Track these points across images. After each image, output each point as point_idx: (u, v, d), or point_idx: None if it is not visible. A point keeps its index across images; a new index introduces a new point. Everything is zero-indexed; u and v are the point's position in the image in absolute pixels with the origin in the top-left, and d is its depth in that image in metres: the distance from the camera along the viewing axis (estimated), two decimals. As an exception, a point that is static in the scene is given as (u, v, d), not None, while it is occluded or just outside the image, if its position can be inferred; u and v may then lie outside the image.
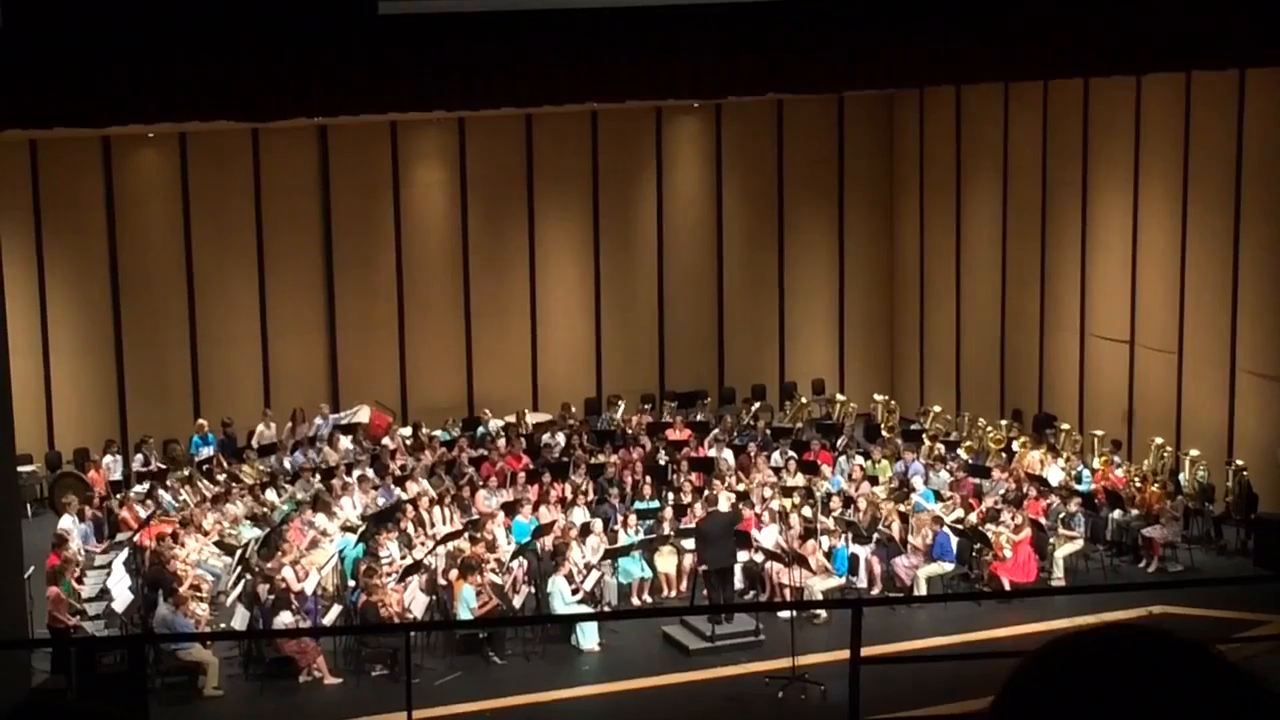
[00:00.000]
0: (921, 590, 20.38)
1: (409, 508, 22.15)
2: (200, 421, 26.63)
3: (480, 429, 26.88)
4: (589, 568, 20.17)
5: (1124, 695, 1.70)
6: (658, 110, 29.45)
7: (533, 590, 19.95)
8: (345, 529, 21.81)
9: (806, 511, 21.56)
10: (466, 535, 20.89)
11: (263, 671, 18.64)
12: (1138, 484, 22.82)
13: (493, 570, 19.80)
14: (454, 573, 19.51)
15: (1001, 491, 22.57)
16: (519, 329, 29.63)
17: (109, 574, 20.09)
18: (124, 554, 20.90)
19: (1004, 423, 26.36)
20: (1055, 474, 23.47)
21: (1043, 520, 21.50)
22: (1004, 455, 24.60)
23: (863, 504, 21.92)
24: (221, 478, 24.46)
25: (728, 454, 24.88)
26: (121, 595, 19.24)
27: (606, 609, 20.26)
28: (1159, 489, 22.39)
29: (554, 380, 29.53)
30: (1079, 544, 21.59)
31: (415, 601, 19.23)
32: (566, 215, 29.68)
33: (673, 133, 30.10)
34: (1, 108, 14.83)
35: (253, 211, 28.01)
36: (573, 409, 27.82)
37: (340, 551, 21.08)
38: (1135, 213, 25.11)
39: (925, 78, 20.70)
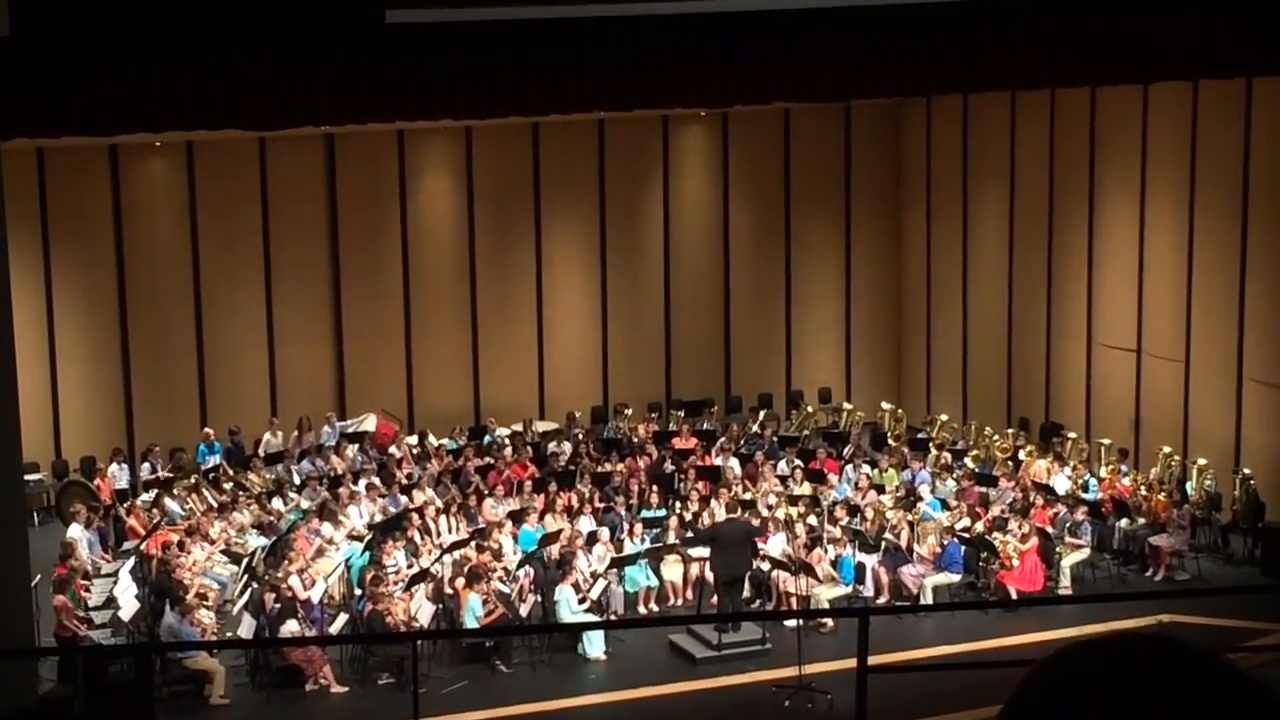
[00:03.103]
0: (928, 599, 20.37)
1: (415, 516, 22.15)
2: (207, 430, 26.63)
3: (487, 437, 26.87)
4: (595, 576, 20.17)
5: (1134, 704, 1.70)
6: (664, 119, 29.46)
7: (539, 599, 19.95)
8: (352, 537, 21.82)
9: (812, 520, 21.55)
10: (473, 544, 20.88)
11: (269, 680, 18.64)
12: (1144, 493, 22.81)
13: (499, 579, 19.80)
14: (460, 581, 19.51)
15: (1008, 500, 22.57)
16: (526, 337, 29.64)
17: (116, 582, 20.10)
18: (131, 562, 20.92)
19: (1011, 431, 26.33)
20: (1062, 483, 23.45)
21: (1049, 529, 21.48)
22: (1011, 464, 24.58)
23: (869, 513, 21.90)
24: (228, 486, 24.46)
25: (734, 462, 24.86)
26: (128, 604, 19.25)
27: (613, 618, 20.26)
28: (1166, 498, 22.38)
29: (561, 388, 29.54)
30: (1086, 553, 21.57)
31: (422, 610, 19.23)
32: (573, 224, 29.69)
33: (679, 141, 30.11)
34: (9, 117, 14.85)
35: (260, 220, 28.04)
36: (577, 417, 27.81)
37: (346, 560, 21.09)
38: (1142, 221, 25.11)
39: (932, 87, 20.71)
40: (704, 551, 20.44)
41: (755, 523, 21.25)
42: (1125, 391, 25.71)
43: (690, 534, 21.45)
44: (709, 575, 20.29)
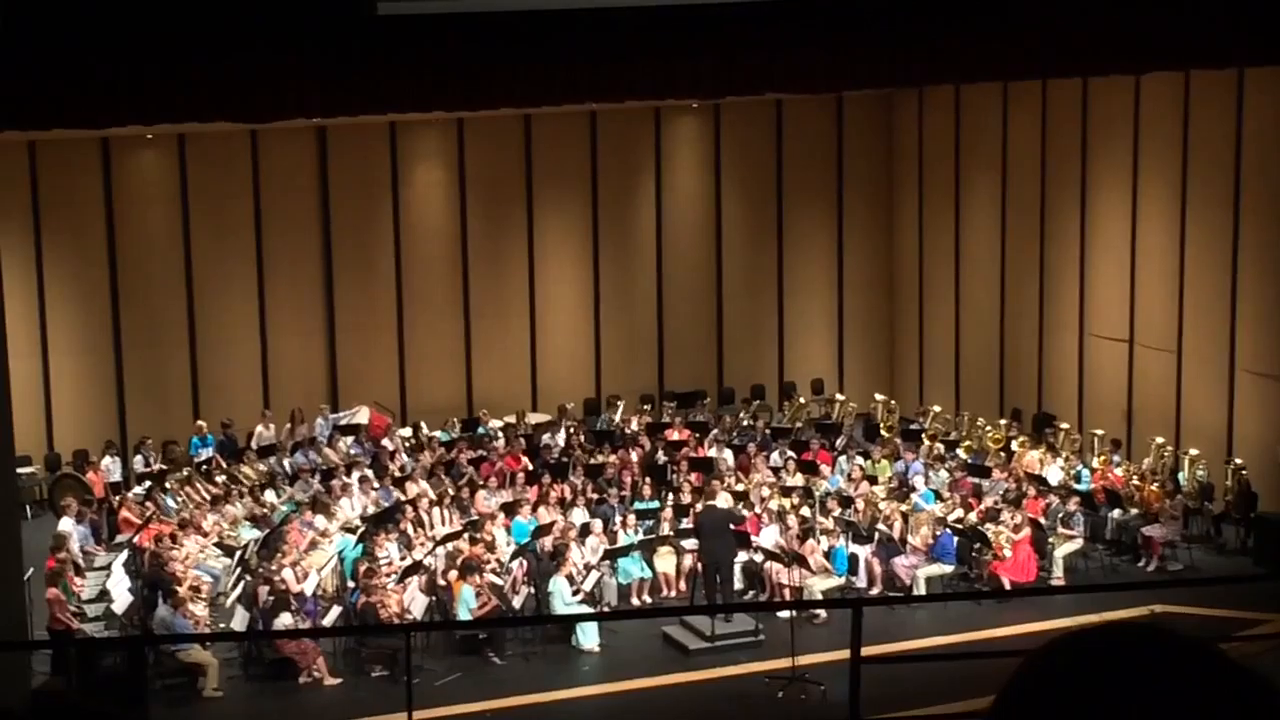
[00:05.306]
0: (921, 590, 20.39)
1: (408, 508, 22.15)
2: (199, 422, 26.62)
3: (479, 429, 26.88)
4: (588, 568, 20.17)
5: (1127, 693, 1.70)
6: (656, 110, 29.46)
7: (532, 591, 19.96)
8: (345, 530, 21.81)
9: (805, 511, 21.56)
10: (466, 536, 20.89)
11: (263, 673, 18.64)
12: (1137, 483, 22.83)
13: (492, 571, 19.81)
14: (453, 573, 19.51)
15: (1001, 491, 22.58)
16: (518, 329, 29.63)
17: (109, 575, 20.09)
18: (123, 555, 20.90)
19: (1003, 422, 26.35)
20: (1054, 473, 23.47)
21: (1042, 519, 21.50)
22: (1003, 455, 24.60)
23: (862, 504, 21.92)
24: (221, 479, 24.45)
25: (727, 454, 24.88)
26: (121, 597, 19.25)
27: (606, 609, 20.26)
28: (1158, 488, 22.40)
29: (553, 380, 29.54)
30: (1078, 543, 21.59)
31: (415, 602, 19.23)
32: (565, 215, 29.68)
33: (672, 133, 30.11)
34: (0, 109, 14.82)
35: (252, 212, 28.02)
36: (569, 408, 27.82)
37: (339, 552, 21.08)
38: (1134, 212, 25.12)
39: (924, 77, 20.71)
40: (695, 543, 20.50)
41: (746, 513, 21.29)
42: (1117, 382, 25.73)
43: (683, 525, 21.49)
44: (700, 567, 20.32)
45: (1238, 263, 23.21)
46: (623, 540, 21.15)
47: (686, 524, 21.37)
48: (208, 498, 23.43)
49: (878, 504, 21.84)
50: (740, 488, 22.83)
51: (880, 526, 21.17)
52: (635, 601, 20.82)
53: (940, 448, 24.84)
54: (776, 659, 18.13)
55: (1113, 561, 21.97)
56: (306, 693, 18.26)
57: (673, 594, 21.13)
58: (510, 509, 22.05)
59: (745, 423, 27.33)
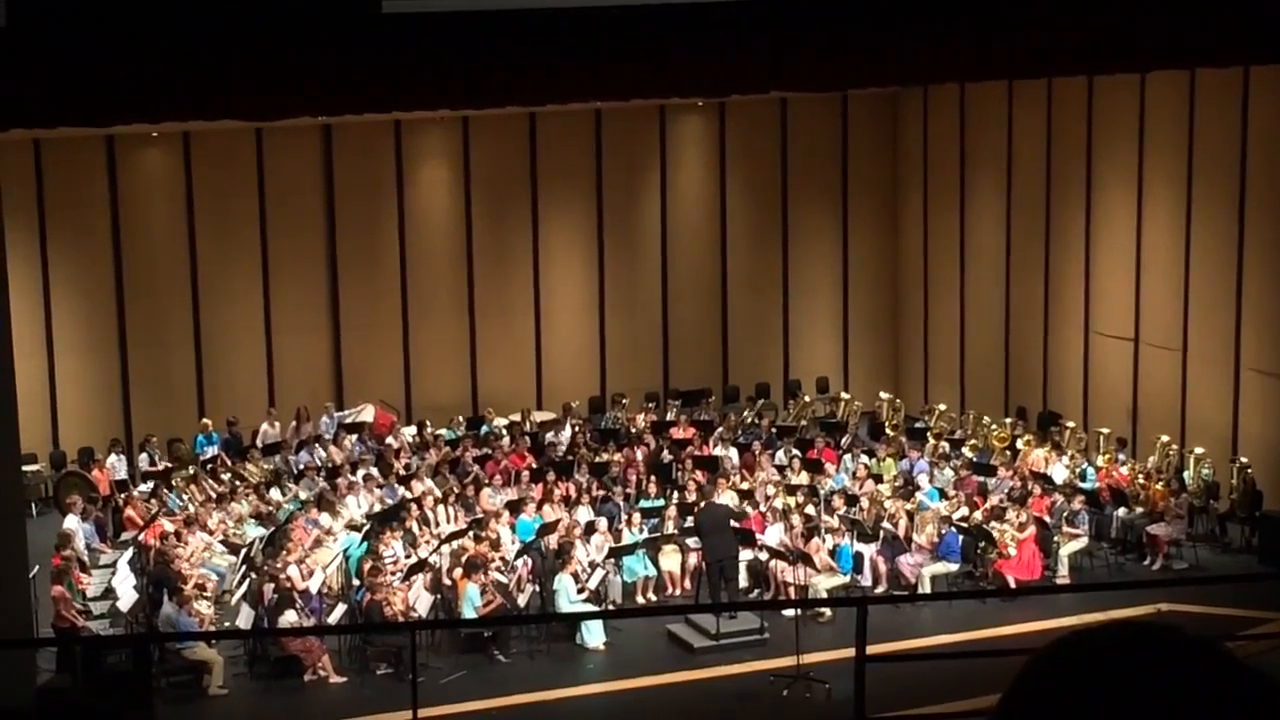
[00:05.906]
0: (926, 588, 20.38)
1: (413, 506, 22.16)
2: (205, 421, 26.65)
3: (484, 427, 26.89)
4: (593, 566, 20.18)
5: (1133, 692, 1.70)
6: (661, 109, 29.45)
7: (537, 589, 19.96)
8: (350, 528, 21.82)
9: (810, 510, 21.56)
10: (471, 534, 20.89)
11: (267, 670, 18.65)
12: (1142, 481, 22.82)
13: (497, 569, 19.80)
14: (458, 571, 19.52)
15: (1006, 489, 22.57)
16: (523, 328, 29.64)
17: (114, 573, 20.11)
18: (129, 553, 20.93)
19: (1008, 420, 26.34)
20: (1060, 472, 23.46)
21: (1047, 518, 21.49)
22: (1008, 453, 24.58)
23: (867, 502, 21.91)
24: (226, 477, 24.47)
25: (732, 452, 24.88)
26: (126, 594, 19.27)
27: (611, 607, 20.27)
28: (1163, 486, 22.37)
29: (558, 379, 29.54)
30: (1083, 542, 21.58)
31: (420, 600, 19.24)
32: (570, 214, 29.68)
33: (676, 131, 30.10)
34: (6, 107, 14.83)
35: (257, 210, 28.03)
36: (574, 407, 27.82)
37: (344, 550, 21.09)
38: (1139, 210, 25.10)
39: (929, 76, 20.68)
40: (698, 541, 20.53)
41: (750, 511, 21.30)
42: (1122, 380, 25.72)
43: (687, 524, 21.49)
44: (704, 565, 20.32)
45: (1243, 261, 23.20)
46: (627, 538, 21.16)
47: (691, 522, 21.37)
48: (213, 495, 23.46)
49: (883, 502, 21.83)
50: (745, 486, 22.83)
51: (885, 525, 21.16)
52: (640, 600, 20.83)
53: (945, 446, 24.83)
54: (781, 657, 18.12)
55: (1118, 560, 21.96)
56: (311, 690, 18.28)
57: (677, 592, 21.14)
58: (515, 507, 22.06)
59: (750, 421, 27.33)
